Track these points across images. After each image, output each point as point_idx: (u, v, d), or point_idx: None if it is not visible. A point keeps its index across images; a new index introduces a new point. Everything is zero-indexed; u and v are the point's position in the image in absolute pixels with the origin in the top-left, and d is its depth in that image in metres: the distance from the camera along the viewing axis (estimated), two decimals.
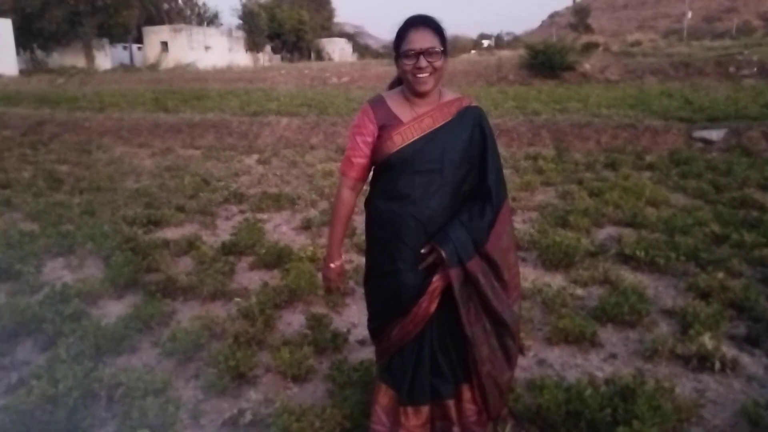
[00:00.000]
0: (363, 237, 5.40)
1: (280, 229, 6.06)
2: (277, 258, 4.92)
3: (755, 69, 20.66)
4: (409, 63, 2.14)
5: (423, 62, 2.12)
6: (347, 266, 4.82)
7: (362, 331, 3.73)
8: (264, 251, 5.03)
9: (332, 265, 2.40)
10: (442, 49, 2.15)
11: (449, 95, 2.31)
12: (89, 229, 5.76)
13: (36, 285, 4.50)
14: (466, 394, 2.38)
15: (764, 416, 2.71)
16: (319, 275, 4.47)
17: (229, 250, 5.22)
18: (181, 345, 3.47)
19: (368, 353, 3.42)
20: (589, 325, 3.61)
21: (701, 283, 4.16)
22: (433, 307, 2.24)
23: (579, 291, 4.23)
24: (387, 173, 2.25)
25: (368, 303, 2.50)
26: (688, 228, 5.43)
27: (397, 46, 2.20)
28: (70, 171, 9.27)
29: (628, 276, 4.43)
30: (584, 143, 10.40)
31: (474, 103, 2.33)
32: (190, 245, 5.35)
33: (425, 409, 2.37)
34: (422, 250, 2.19)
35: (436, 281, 2.19)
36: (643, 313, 3.77)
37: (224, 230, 5.98)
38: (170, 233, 5.88)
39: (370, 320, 2.50)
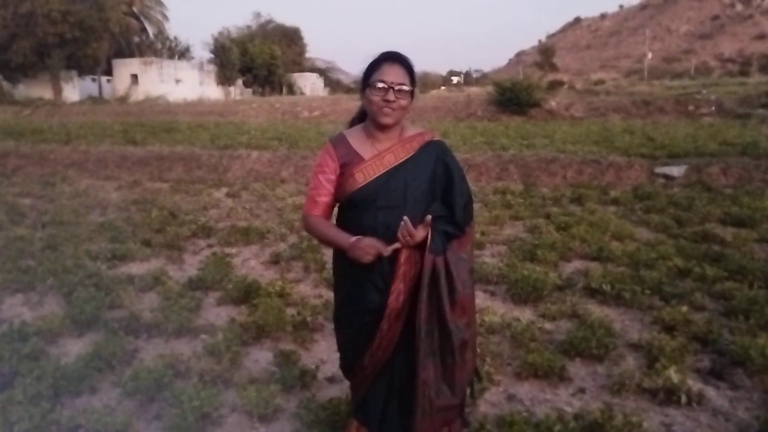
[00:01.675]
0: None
1: (249, 263, 5.99)
2: (245, 293, 4.85)
3: (713, 108, 21.47)
4: (377, 95, 2.16)
5: (391, 96, 2.15)
6: (316, 301, 4.78)
7: (330, 368, 3.68)
8: (231, 286, 4.96)
9: (350, 244, 2.14)
10: (411, 89, 2.19)
11: (411, 130, 2.33)
12: (51, 264, 5.61)
13: None
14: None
15: None
16: (288, 311, 4.45)
17: (196, 285, 5.13)
18: (144, 384, 3.37)
19: (337, 391, 3.37)
20: (558, 360, 3.62)
21: (666, 316, 4.23)
22: (396, 328, 2.23)
23: (547, 325, 4.25)
24: (350, 211, 2.26)
25: (338, 341, 2.49)
26: (652, 262, 5.54)
27: (366, 77, 2.21)
28: (33, 204, 9.05)
29: (595, 310, 4.47)
30: (551, 178, 10.59)
31: (436, 137, 2.36)
32: (156, 280, 5.25)
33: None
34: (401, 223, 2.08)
35: (392, 302, 2.19)
36: (610, 347, 3.80)
37: (191, 265, 5.88)
38: (135, 268, 5.76)
39: (342, 359, 2.49)
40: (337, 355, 3.77)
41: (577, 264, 5.76)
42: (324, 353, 3.93)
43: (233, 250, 6.38)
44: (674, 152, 11.34)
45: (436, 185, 2.26)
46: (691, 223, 7.25)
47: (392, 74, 2.16)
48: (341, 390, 3.38)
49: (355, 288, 2.27)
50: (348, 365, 2.47)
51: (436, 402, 2.21)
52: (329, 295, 4.95)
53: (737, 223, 7.19)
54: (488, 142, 13.49)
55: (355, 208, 2.23)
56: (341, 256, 2.26)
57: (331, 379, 3.55)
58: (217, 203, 9.25)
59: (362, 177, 2.20)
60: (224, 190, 10.49)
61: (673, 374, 3.36)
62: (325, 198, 2.26)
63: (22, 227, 7.43)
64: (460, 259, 2.21)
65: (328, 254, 6.07)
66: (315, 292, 5.09)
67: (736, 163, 10.30)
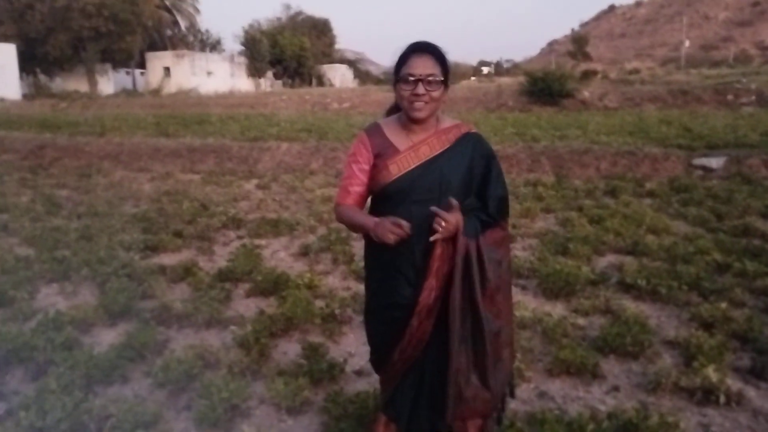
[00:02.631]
0: (361, 264, 5.39)
1: (278, 255, 6.01)
2: (274, 285, 4.86)
3: (753, 97, 20.82)
4: (407, 88, 2.11)
5: (421, 89, 2.08)
6: (344, 293, 4.76)
7: (359, 361, 3.66)
8: (261, 278, 4.97)
9: (375, 224, 2.06)
10: (442, 78, 2.12)
11: (447, 122, 2.27)
12: (85, 254, 5.71)
13: (29, 312, 4.43)
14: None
15: None
16: (316, 304, 4.44)
17: (226, 276, 5.16)
18: (174, 375, 3.39)
19: (365, 384, 3.35)
20: (591, 356, 3.54)
21: (704, 313, 4.10)
22: (427, 326, 2.19)
23: (580, 320, 4.16)
24: (383, 203, 2.21)
25: (368, 335, 2.47)
26: (689, 256, 5.38)
27: (397, 71, 2.16)
28: (69, 195, 9.24)
29: (630, 305, 4.36)
30: (584, 170, 10.39)
31: (473, 130, 2.30)
32: (187, 271, 5.29)
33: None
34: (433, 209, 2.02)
35: (423, 299, 2.14)
36: (646, 344, 3.70)
37: (221, 256, 5.92)
38: (167, 259, 5.82)
39: (372, 353, 2.46)
40: (366, 348, 3.78)
41: (610, 258, 5.63)
42: (352, 346, 3.91)
43: (263, 242, 6.41)
44: (713, 143, 11.03)
45: (472, 179, 2.20)
46: (731, 216, 7.03)
47: (421, 66, 2.09)
48: (369, 384, 3.35)
49: (387, 281, 2.23)
50: (378, 359, 2.44)
51: (465, 391, 2.16)
52: (358, 287, 4.93)
53: None
54: (519, 133, 13.31)
55: (388, 201, 2.18)
56: (373, 248, 2.23)
57: (359, 373, 3.53)
58: (248, 195, 9.31)
59: (396, 169, 2.15)
60: (254, 181, 10.55)
61: (711, 373, 3.25)
62: (357, 188, 2.22)
63: (58, 218, 7.60)
64: (492, 251, 2.16)
65: (357, 246, 6.06)
66: (343, 284, 5.08)
67: None
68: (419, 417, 2.29)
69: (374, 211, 2.25)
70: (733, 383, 3.27)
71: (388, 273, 2.22)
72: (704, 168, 9.91)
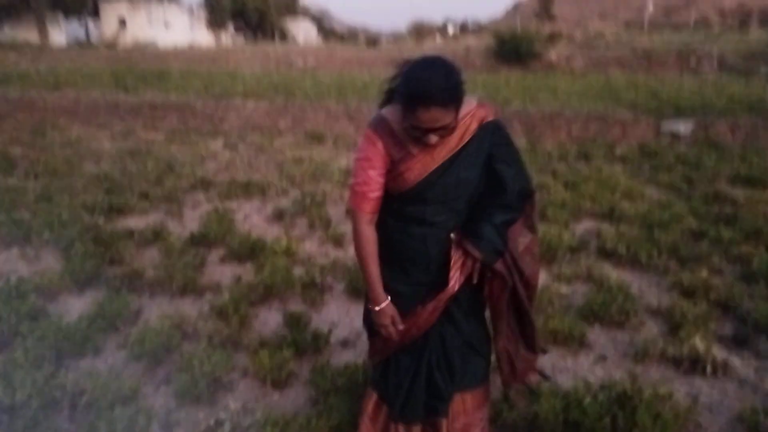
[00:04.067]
0: (339, 229, 5.25)
1: (251, 219, 5.81)
2: (250, 251, 4.69)
3: (715, 63, 21.08)
4: (416, 133, 1.90)
5: (432, 138, 1.90)
6: (323, 260, 4.63)
7: (343, 332, 3.56)
8: (235, 243, 4.79)
9: (379, 308, 2.11)
10: (453, 119, 1.88)
11: (463, 108, 1.99)
12: (46, 216, 5.41)
13: None
14: (458, 406, 2.24)
15: (762, 423, 2.65)
16: (295, 271, 4.30)
17: (198, 241, 4.96)
18: (150, 347, 3.24)
19: (351, 356, 3.26)
20: (578, 326, 3.52)
21: (685, 281, 4.12)
22: (436, 315, 2.09)
23: (564, 289, 4.13)
24: (395, 201, 2.07)
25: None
26: (665, 223, 5.40)
27: (405, 106, 1.88)
28: (24, 153, 8.75)
29: (611, 273, 4.36)
30: (555, 134, 10.36)
31: (490, 117, 2.07)
32: (156, 236, 5.07)
33: (417, 429, 2.24)
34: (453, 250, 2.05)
35: (450, 288, 2.04)
36: (631, 313, 3.69)
37: (192, 219, 5.70)
38: (134, 222, 5.57)
39: (366, 316, 2.33)
40: (349, 319, 3.71)
41: (588, 224, 5.62)
42: (335, 315, 3.80)
43: (234, 205, 6.20)
44: (680, 108, 11.11)
45: (490, 171, 2.08)
46: (701, 182, 7.10)
47: (429, 120, 1.83)
48: (355, 355, 3.27)
49: (402, 270, 2.13)
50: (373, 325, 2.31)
51: (517, 363, 2.25)
52: (336, 254, 4.81)
53: (747, 183, 7.04)
54: (490, 96, 13.17)
55: (400, 200, 2.05)
56: (387, 240, 2.09)
57: (344, 343, 3.44)
58: (215, 155, 8.99)
59: (412, 176, 1.99)
60: (221, 140, 10.20)
61: (698, 342, 3.26)
62: (377, 193, 2.03)
63: (14, 177, 7.20)
64: (519, 242, 2.11)
65: (333, 212, 5.91)
66: (322, 250, 4.94)
67: (743, 120, 10.09)
68: (415, 400, 2.20)
69: (385, 204, 2.09)
70: (718, 352, 3.29)
71: (403, 265, 2.12)
72: (673, 134, 10.00)
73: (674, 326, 3.57)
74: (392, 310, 2.11)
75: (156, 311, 3.80)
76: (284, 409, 2.79)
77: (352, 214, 2.07)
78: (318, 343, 3.36)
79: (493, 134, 2.05)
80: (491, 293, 2.14)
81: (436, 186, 2.00)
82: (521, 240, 2.13)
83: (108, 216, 5.66)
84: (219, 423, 2.65)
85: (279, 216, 5.78)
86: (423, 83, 1.79)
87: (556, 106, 11.62)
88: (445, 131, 1.88)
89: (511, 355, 2.24)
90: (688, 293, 4.01)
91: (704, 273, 4.18)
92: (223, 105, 12.40)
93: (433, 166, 1.97)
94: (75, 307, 3.86)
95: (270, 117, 11.81)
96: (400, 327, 2.11)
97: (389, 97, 2.08)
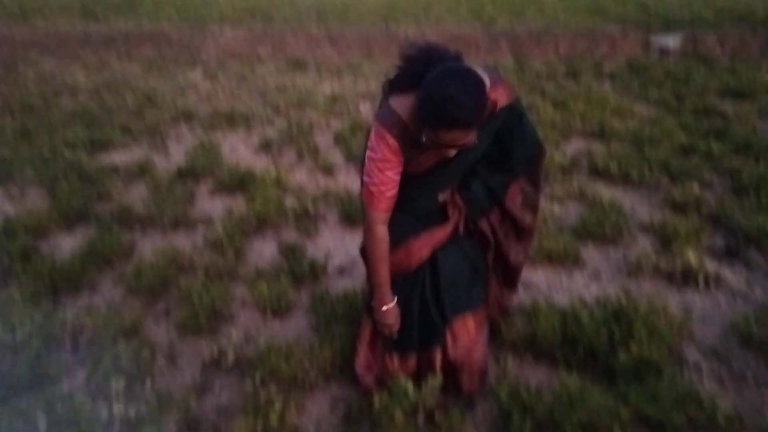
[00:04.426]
0: (329, 158, 5.18)
1: (238, 150, 5.70)
2: (239, 182, 4.62)
3: None
4: (434, 144, 1.82)
5: (451, 151, 1.86)
6: (315, 189, 4.59)
7: (340, 259, 3.56)
8: (224, 175, 4.71)
9: (385, 308, 2.15)
10: (476, 134, 1.80)
11: None
12: (27, 154, 5.27)
13: None
14: (461, 327, 2.27)
15: (754, 332, 2.72)
16: (287, 201, 4.26)
17: (186, 174, 4.87)
18: (147, 281, 3.23)
19: (349, 283, 3.27)
20: (572, 245, 3.54)
21: (676, 195, 4.14)
22: (428, 251, 2.11)
23: (556, 209, 4.14)
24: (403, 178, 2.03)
25: None
26: (656, 139, 5.38)
27: (427, 124, 1.77)
28: None
29: (604, 191, 4.36)
30: (543, 52, 10.14)
31: (506, 100, 2.00)
32: (142, 170, 4.98)
33: (412, 358, 2.30)
34: (440, 199, 2.15)
35: (442, 231, 2.12)
36: (624, 230, 3.73)
37: (177, 153, 5.58)
38: (118, 157, 5.45)
39: (364, 247, 2.32)
40: (344, 247, 3.71)
41: (579, 143, 5.58)
42: (330, 244, 3.79)
43: (219, 136, 6.06)
44: (669, 22, 10.89)
45: (496, 143, 2.09)
46: (691, 97, 7.03)
47: (451, 139, 1.76)
48: (353, 282, 3.28)
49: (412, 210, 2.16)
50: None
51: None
52: (327, 183, 4.76)
53: (736, 96, 6.99)
54: (475, 13, 12.80)
55: (408, 178, 2.01)
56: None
57: (341, 271, 3.45)
58: (194, 85, 8.71)
59: (424, 165, 1.97)
60: (199, 70, 9.86)
61: (690, 256, 3.31)
62: (393, 191, 1.97)
63: None
64: (519, 198, 2.21)
65: (321, 140, 5.81)
66: (312, 180, 4.88)
67: (732, 32, 9.93)
68: (409, 330, 2.22)
69: None
70: (711, 265, 3.35)
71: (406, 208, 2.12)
72: (662, 50, 9.82)
73: (666, 241, 3.61)
74: (397, 311, 2.17)
75: (149, 246, 3.77)
76: (286, 337, 2.82)
77: (365, 213, 2.00)
78: (315, 271, 3.37)
79: (505, 119, 2.02)
80: (479, 242, 2.29)
81: (445, 168, 2.01)
82: (522, 195, 2.20)
83: (90, 152, 5.52)
84: (222, 352, 2.68)
85: (266, 146, 5.67)
86: (449, 108, 1.66)
87: (543, 22, 11.34)
88: (466, 146, 1.81)
89: (520, 267, 2.44)
90: (679, 208, 4.04)
91: (695, 187, 4.20)
92: (200, 33, 11.95)
93: (446, 156, 1.92)
94: (66, 244, 3.82)
95: (249, 44, 11.42)
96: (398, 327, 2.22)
97: (395, 86, 1.92)
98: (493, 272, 2.42)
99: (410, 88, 1.83)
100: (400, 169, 1.93)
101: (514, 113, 2.06)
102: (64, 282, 3.25)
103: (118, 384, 2.39)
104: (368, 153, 1.93)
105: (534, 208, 2.31)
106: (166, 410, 2.31)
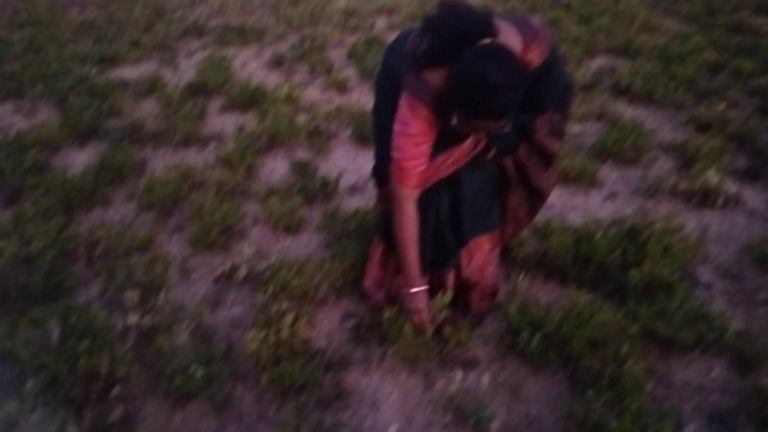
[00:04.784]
0: (342, 74, 5.05)
1: (249, 65, 5.56)
2: (251, 99, 4.53)
3: None
4: (466, 128, 1.79)
5: (482, 132, 1.86)
6: (328, 106, 4.49)
7: (352, 177, 3.52)
8: (235, 92, 4.61)
9: (415, 290, 2.09)
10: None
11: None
12: (37, 68, 5.19)
13: None
14: (477, 247, 2.25)
15: None
16: (299, 118, 4.18)
17: (197, 90, 4.78)
18: (159, 197, 3.23)
19: (361, 201, 3.25)
20: (589, 164, 3.46)
21: (701, 115, 3.99)
22: (445, 171, 2.07)
23: (575, 128, 4.02)
24: None
25: (379, 146, 2.29)
26: (683, 56, 5.14)
27: (459, 111, 1.72)
28: (5, 2, 8.25)
29: (625, 110, 4.21)
30: None
31: (538, 60, 1.90)
32: (152, 85, 4.88)
33: (425, 278, 2.26)
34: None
35: (460, 150, 2.03)
36: (644, 150, 3.62)
37: (187, 68, 5.46)
38: (128, 72, 5.35)
39: (378, 165, 2.28)
40: (356, 165, 3.66)
41: (603, 60, 5.36)
42: (342, 161, 3.74)
43: (230, 51, 5.90)
44: None
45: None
46: (723, 12, 6.67)
47: (483, 127, 1.76)
48: (365, 200, 3.25)
49: None
50: (382, 174, 2.27)
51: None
52: (340, 100, 4.65)
53: None
54: None
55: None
56: None
57: (353, 189, 3.41)
58: None
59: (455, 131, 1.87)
60: None
61: (711, 176, 3.22)
62: (425, 165, 1.91)
63: None
64: (545, 129, 2.12)
65: (335, 55, 5.65)
66: (324, 96, 4.77)
67: None
68: (422, 252, 2.18)
69: None
70: (731, 185, 3.26)
71: None
72: None
73: (687, 161, 3.51)
74: (427, 296, 2.11)
75: (161, 162, 3.75)
76: (298, 253, 2.83)
77: (395, 189, 1.94)
78: (327, 189, 3.34)
79: (538, 72, 1.93)
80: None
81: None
82: (549, 124, 2.12)
83: (100, 66, 5.43)
84: (235, 268, 2.70)
85: (278, 62, 5.52)
86: (484, 99, 1.63)
87: None
88: (498, 130, 1.77)
89: (517, 216, 2.38)
90: (703, 128, 3.90)
91: (721, 106, 4.04)
92: None
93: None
94: (78, 160, 3.81)
95: None
96: (430, 318, 2.15)
97: (426, 61, 1.79)
98: (515, 196, 2.34)
99: (442, 63, 1.75)
100: (433, 140, 1.87)
101: (547, 67, 1.96)
102: (76, 197, 3.26)
103: (132, 296, 2.42)
104: (399, 127, 1.86)
105: (560, 135, 2.24)
106: (180, 321, 2.35)
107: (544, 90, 2.02)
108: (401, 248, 2.05)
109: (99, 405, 1.99)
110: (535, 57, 1.88)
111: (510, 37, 1.78)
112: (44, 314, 2.20)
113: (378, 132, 2.32)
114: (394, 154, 1.90)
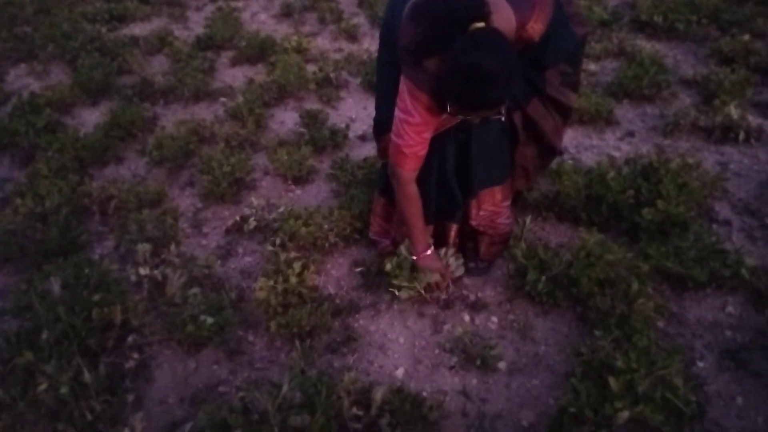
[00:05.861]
0: (352, 22, 4.94)
1: (258, 17, 5.47)
2: (260, 51, 4.47)
3: None
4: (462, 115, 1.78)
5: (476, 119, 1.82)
6: (337, 55, 4.41)
7: (361, 126, 3.48)
8: (244, 44, 4.55)
9: (425, 254, 2.14)
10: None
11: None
12: (48, 29, 5.17)
13: (0, 95, 4.11)
14: (487, 197, 2.21)
15: None
16: (308, 68, 4.12)
17: (206, 44, 4.73)
18: (170, 152, 3.23)
19: (370, 149, 3.21)
20: (605, 103, 3.35)
21: (724, 47, 3.83)
22: (447, 124, 1.99)
23: (591, 66, 3.89)
24: None
25: (378, 98, 2.24)
26: None
27: (454, 102, 1.71)
28: None
29: (645, 45, 4.05)
30: None
31: (537, 35, 1.83)
32: (162, 41, 4.84)
33: (429, 228, 2.26)
34: None
35: None
36: (663, 85, 3.50)
37: (196, 22, 5.40)
38: (137, 29, 5.31)
39: (378, 116, 2.23)
40: (366, 113, 3.61)
41: None
42: (352, 111, 3.69)
43: (239, 4, 5.80)
44: None
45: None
46: None
47: (480, 114, 1.78)
48: (374, 148, 3.18)
49: None
50: (382, 125, 2.22)
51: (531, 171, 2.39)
52: (350, 48, 4.57)
53: None
54: None
55: None
56: None
57: (362, 138, 3.38)
58: None
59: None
60: None
61: (732, 110, 3.10)
62: (426, 149, 1.90)
63: None
64: (557, 80, 2.06)
65: (344, 3, 5.52)
66: (334, 45, 4.69)
67: None
68: (426, 204, 2.15)
69: None
70: (753, 119, 3.14)
71: None
72: None
73: (708, 96, 3.38)
74: (435, 255, 2.17)
75: (171, 118, 3.75)
76: (306, 202, 2.83)
77: (395, 172, 1.94)
78: (336, 138, 3.31)
79: (545, 37, 1.87)
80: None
81: None
82: (561, 76, 2.07)
83: (110, 25, 5.38)
84: (244, 219, 2.71)
85: (287, 12, 5.41)
86: (477, 90, 1.61)
87: None
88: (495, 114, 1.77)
89: (527, 170, 2.34)
90: (726, 60, 3.75)
91: (746, 37, 3.86)
92: None
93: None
94: (90, 118, 3.82)
95: None
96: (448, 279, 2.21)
97: (423, 51, 1.73)
98: (526, 151, 2.29)
99: (439, 52, 1.69)
100: (435, 125, 1.86)
101: (550, 31, 1.87)
102: (89, 154, 3.28)
103: (144, 249, 2.45)
104: (401, 115, 1.84)
105: (575, 86, 2.19)
106: (191, 271, 2.38)
107: (550, 47, 1.95)
108: (407, 224, 2.11)
109: (114, 353, 2.05)
110: (535, 30, 1.81)
111: (503, 16, 1.70)
112: (60, 268, 2.24)
113: (377, 85, 2.29)
114: (395, 139, 1.89)
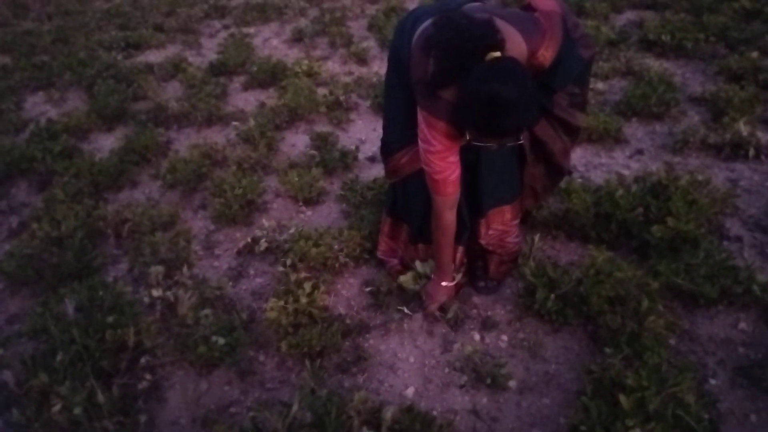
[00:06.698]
0: (362, 46, 5.01)
1: (270, 43, 5.58)
2: (271, 75, 4.55)
3: None
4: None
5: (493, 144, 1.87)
6: (348, 78, 4.48)
7: (370, 147, 3.52)
8: (256, 69, 4.64)
9: (445, 283, 2.19)
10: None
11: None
12: (65, 58, 5.31)
13: (19, 122, 4.21)
14: (497, 217, 2.22)
15: None
16: (319, 92, 4.18)
17: (219, 70, 4.82)
18: (183, 175, 3.28)
19: (379, 170, 3.23)
20: (614, 121, 3.37)
21: (733, 64, 3.83)
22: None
23: (600, 85, 3.92)
24: None
25: (386, 119, 2.26)
26: (715, 5, 4.93)
27: (473, 126, 1.73)
28: None
29: (653, 64, 4.07)
30: None
31: (553, 54, 1.86)
32: (176, 68, 4.95)
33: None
34: None
35: None
36: (672, 104, 3.50)
37: (210, 49, 5.51)
38: (152, 56, 5.43)
39: (385, 137, 2.26)
40: (375, 135, 3.64)
41: (630, 14, 5.19)
42: (362, 133, 3.74)
43: (251, 30, 5.92)
44: None
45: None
46: None
47: (499, 141, 1.83)
48: (383, 170, 3.23)
49: None
50: (389, 147, 2.24)
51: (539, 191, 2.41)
52: (360, 71, 4.63)
53: None
54: None
55: None
56: None
57: (372, 159, 3.41)
58: None
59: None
60: None
61: (742, 127, 3.10)
62: (458, 171, 1.91)
63: (28, 21, 7.00)
64: (565, 102, 2.09)
65: (354, 27, 5.61)
66: (344, 69, 4.76)
67: None
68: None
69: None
70: (762, 135, 3.13)
71: None
72: None
73: (717, 113, 3.38)
74: (451, 292, 2.23)
75: (184, 142, 3.81)
76: (317, 223, 2.85)
77: (433, 198, 1.96)
78: (346, 160, 3.34)
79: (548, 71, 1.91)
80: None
81: None
82: (568, 97, 2.09)
83: (125, 52, 5.52)
84: (255, 240, 2.74)
85: (298, 37, 5.52)
86: (497, 121, 1.63)
87: None
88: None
89: (536, 190, 2.35)
90: (735, 77, 3.75)
91: (754, 54, 3.86)
92: None
93: None
94: (106, 143, 3.90)
95: None
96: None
97: (438, 82, 1.74)
98: (534, 171, 2.30)
99: (455, 82, 1.70)
100: (458, 147, 1.88)
101: (559, 57, 1.90)
102: (104, 179, 3.35)
103: (157, 271, 2.48)
104: (423, 146, 1.87)
105: (582, 107, 2.21)
106: (203, 293, 2.41)
107: (559, 72, 1.98)
108: (437, 249, 2.13)
109: (127, 374, 2.06)
110: (546, 57, 1.84)
111: (515, 44, 1.72)
112: (75, 290, 2.28)
113: (385, 106, 2.33)
114: (425, 167, 1.92)
